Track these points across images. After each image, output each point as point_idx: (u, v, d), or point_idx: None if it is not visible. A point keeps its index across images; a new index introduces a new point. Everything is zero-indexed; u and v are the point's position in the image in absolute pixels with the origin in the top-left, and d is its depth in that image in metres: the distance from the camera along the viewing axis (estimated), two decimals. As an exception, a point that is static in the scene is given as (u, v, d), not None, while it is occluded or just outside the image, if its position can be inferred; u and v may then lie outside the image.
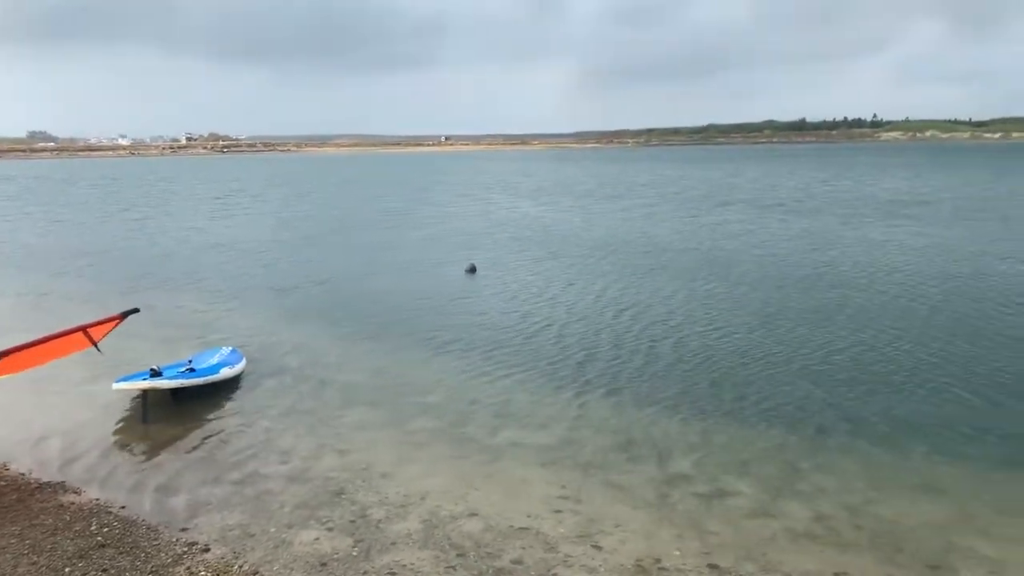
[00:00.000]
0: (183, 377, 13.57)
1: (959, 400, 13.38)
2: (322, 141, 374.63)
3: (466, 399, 13.82)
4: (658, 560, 8.46)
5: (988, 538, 8.91)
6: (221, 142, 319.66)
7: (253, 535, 9.00)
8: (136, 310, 12.15)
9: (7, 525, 9.16)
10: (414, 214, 49.55)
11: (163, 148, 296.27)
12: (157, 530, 9.11)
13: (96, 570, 8.18)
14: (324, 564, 8.36)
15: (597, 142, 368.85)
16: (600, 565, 8.35)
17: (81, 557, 8.42)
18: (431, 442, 11.90)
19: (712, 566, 8.35)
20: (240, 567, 8.28)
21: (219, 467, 11.00)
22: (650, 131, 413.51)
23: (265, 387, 14.58)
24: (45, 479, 10.57)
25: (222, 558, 8.47)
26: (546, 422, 12.69)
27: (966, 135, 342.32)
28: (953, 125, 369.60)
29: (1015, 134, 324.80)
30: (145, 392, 12.94)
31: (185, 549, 8.64)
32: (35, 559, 8.38)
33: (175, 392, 13.41)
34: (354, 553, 8.58)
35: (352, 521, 9.32)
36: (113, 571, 8.16)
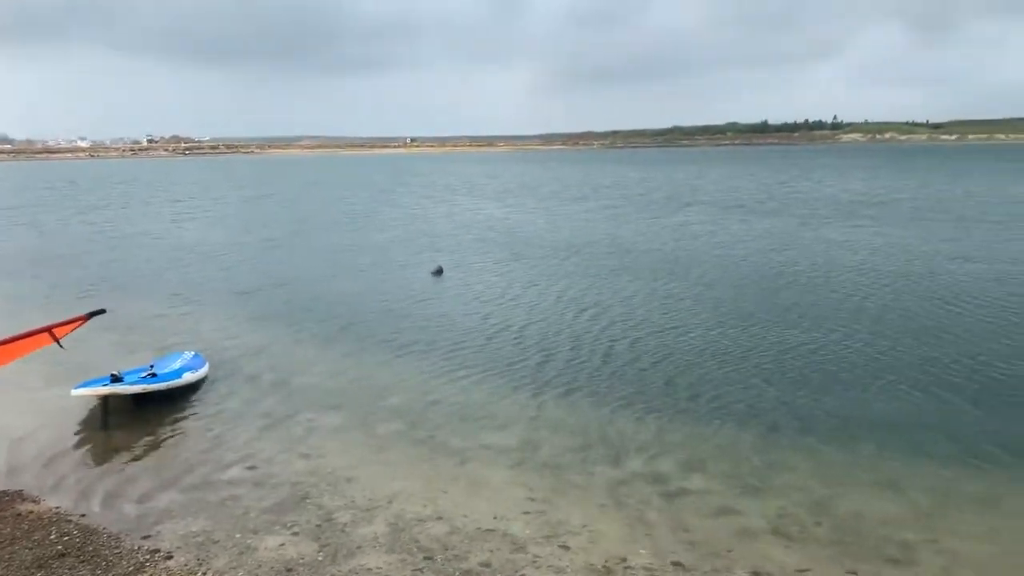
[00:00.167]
0: (144, 382, 13.37)
1: (911, 398, 13.64)
2: (286, 143, 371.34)
3: (432, 401, 13.79)
4: (624, 559, 8.52)
5: (944, 532, 9.11)
6: (183, 144, 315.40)
7: (217, 541, 8.91)
8: (102, 311, 11.97)
9: (-37, 535, 8.96)
10: (378, 216, 49.35)
11: (123, 150, 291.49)
12: (118, 538, 8.97)
13: (56, 580, 8.03)
14: (290, 569, 8.29)
15: (563, 144, 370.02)
16: (567, 565, 8.39)
17: (40, 567, 8.27)
18: (397, 445, 11.87)
19: (677, 564, 8.44)
20: (204, 574, 8.19)
21: (182, 473, 10.86)
22: (615, 133, 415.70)
23: (229, 392, 14.42)
24: (1, 488, 10.36)
25: (185, 565, 8.36)
26: (512, 423, 12.72)
27: (924, 137, 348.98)
28: (911, 127, 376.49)
29: (971, 136, 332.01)
30: (105, 398, 12.73)
31: (147, 557, 8.52)
32: (-8, 570, 8.21)
33: (136, 398, 13.21)
34: (320, 558, 8.52)
35: (318, 526, 9.27)
36: (73, 580, 8.02)
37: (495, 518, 9.44)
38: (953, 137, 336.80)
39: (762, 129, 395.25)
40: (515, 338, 17.90)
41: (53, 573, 8.15)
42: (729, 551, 8.70)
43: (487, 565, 8.39)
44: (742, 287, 23.39)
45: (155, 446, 11.93)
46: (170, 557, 8.54)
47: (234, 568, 8.32)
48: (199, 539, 8.96)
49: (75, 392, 12.83)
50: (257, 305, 22.22)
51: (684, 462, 11.11)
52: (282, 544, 8.83)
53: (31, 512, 9.63)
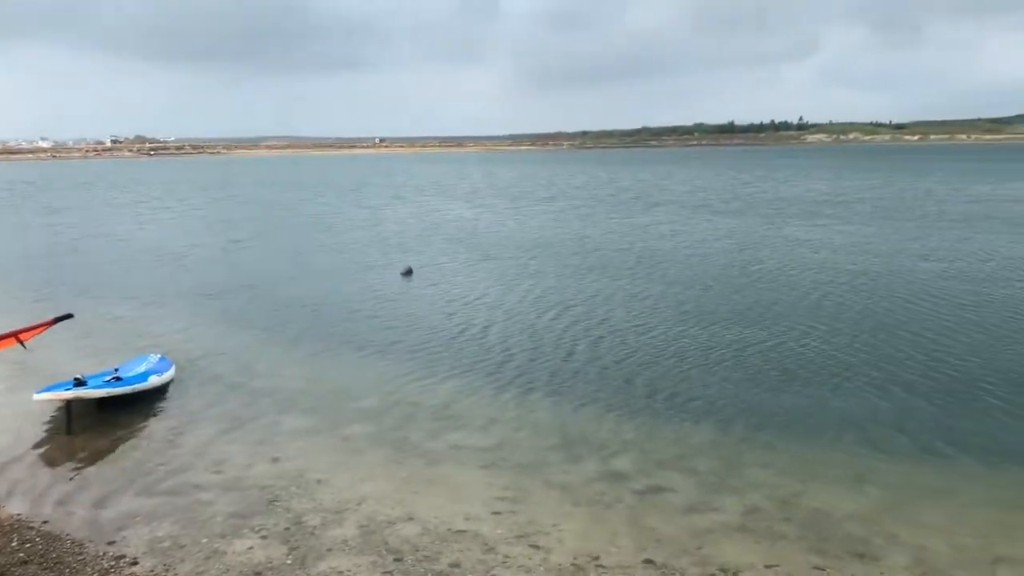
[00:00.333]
0: (109, 386, 13.17)
1: (871, 394, 13.85)
2: (253, 143, 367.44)
3: (402, 403, 13.74)
4: (595, 558, 8.55)
5: (910, 525, 9.25)
6: (147, 144, 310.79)
7: (184, 546, 8.79)
8: (70, 315, 11.78)
9: (-80, 544, 8.76)
10: (346, 217, 49.07)
11: (86, 151, 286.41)
12: (82, 544, 8.82)
13: (18, 588, 7.88)
14: (258, 573, 8.21)
15: (532, 144, 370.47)
16: (539, 565, 8.40)
17: (1, 575, 8.10)
18: (367, 447, 11.80)
19: (648, 561, 8.48)
20: (171, 579, 8.08)
21: (148, 478, 10.70)
22: (585, 133, 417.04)
23: (195, 395, 14.25)
24: (-39, 495, 10.15)
25: (151, 571, 8.25)
26: (483, 424, 12.71)
27: (887, 137, 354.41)
28: (875, 128, 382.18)
29: (933, 137, 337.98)
30: (69, 402, 12.50)
31: (112, 563, 8.39)
32: (-49, 579, 8.03)
33: (101, 402, 13.00)
34: (289, 561, 8.45)
35: (287, 529, 9.19)
36: (36, 588, 7.88)
37: (465, 518, 9.43)
38: (916, 138, 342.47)
39: (729, 130, 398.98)
40: (484, 338, 17.90)
41: (15, 581, 8.00)
42: (698, 548, 8.77)
43: (457, 566, 8.37)
44: (707, 286, 23.62)
45: (120, 451, 11.75)
46: (135, 563, 8.41)
47: (201, 573, 8.22)
48: (165, 544, 8.84)
49: (37, 397, 12.58)
50: (224, 307, 21.99)
51: (653, 460, 11.17)
52: (250, 548, 8.74)
53: (-8, 519, 9.44)
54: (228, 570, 8.27)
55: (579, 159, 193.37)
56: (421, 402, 13.77)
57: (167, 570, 8.27)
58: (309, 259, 31.16)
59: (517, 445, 11.81)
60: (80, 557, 8.51)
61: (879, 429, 12.21)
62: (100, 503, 9.94)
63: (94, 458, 11.47)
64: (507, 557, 8.55)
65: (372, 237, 37.75)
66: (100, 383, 13.18)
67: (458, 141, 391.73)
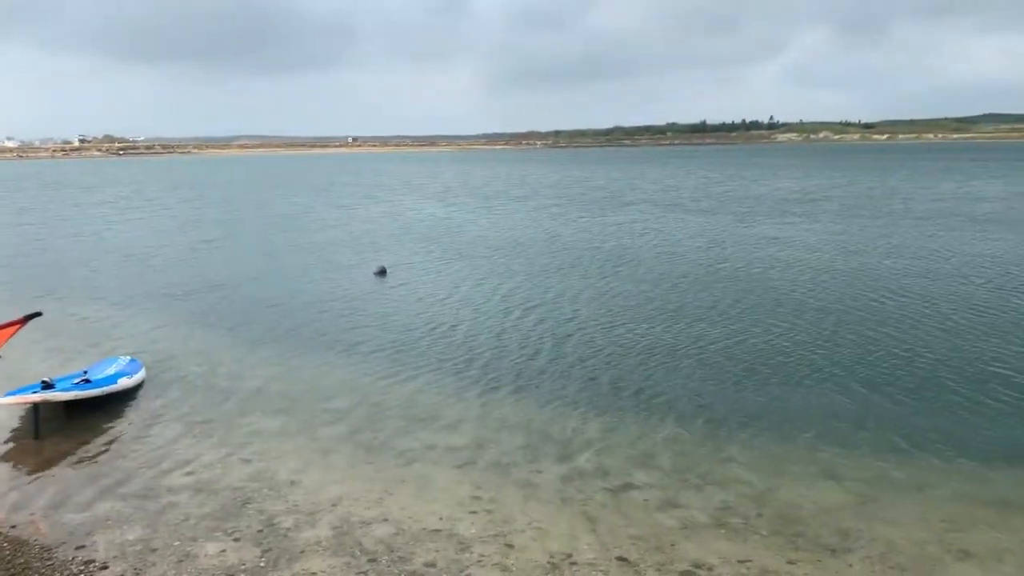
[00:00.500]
0: (78, 389, 13.00)
1: (842, 390, 14.02)
2: (224, 143, 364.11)
3: (375, 403, 13.70)
4: (569, 555, 8.58)
5: (878, 519, 9.39)
6: (117, 144, 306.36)
7: (155, 550, 8.71)
8: (38, 313, 11.61)
9: None
10: (319, 216, 48.77)
11: (54, 150, 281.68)
12: (50, 550, 8.70)
13: (-16, 595, 7.77)
14: (231, 576, 8.15)
15: (506, 144, 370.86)
16: (512, 563, 8.42)
17: (-33, 582, 7.98)
18: (340, 448, 11.75)
19: (621, 559, 8.53)
20: (142, 584, 8.00)
21: (118, 481, 10.58)
22: (558, 133, 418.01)
23: (166, 397, 14.11)
24: (-74, 501, 9.97)
25: (122, 575, 8.16)
26: (457, 423, 12.71)
27: (856, 136, 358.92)
28: (844, 127, 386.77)
29: (901, 136, 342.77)
30: (36, 406, 12.31)
31: (81, 568, 8.29)
32: (-84, 586, 7.90)
33: (69, 405, 12.83)
34: (262, 564, 8.40)
35: (260, 531, 9.13)
36: (3, 595, 7.77)
37: (440, 518, 9.43)
38: (884, 137, 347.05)
39: (701, 129, 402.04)
40: (458, 337, 17.89)
41: (-19, 588, 7.88)
42: (673, 544, 8.84)
43: (432, 565, 8.37)
44: (676, 284, 23.81)
45: (89, 454, 11.60)
46: (105, 567, 8.32)
47: (173, 576, 8.15)
48: (136, 548, 8.74)
49: (3, 400, 12.38)
50: (195, 308, 21.77)
51: (627, 458, 11.23)
52: (223, 551, 8.67)
53: (-43, 525, 9.29)
54: (200, 573, 8.21)
55: (552, 158, 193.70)
56: (394, 402, 13.74)
57: (137, 574, 8.19)
58: (281, 259, 30.94)
59: (491, 444, 11.82)
60: (48, 562, 8.40)
61: (846, 425, 12.37)
62: (69, 507, 9.81)
63: (62, 462, 11.31)
64: (482, 556, 8.56)
65: (344, 236, 37.57)
66: (68, 386, 13.01)
67: (431, 140, 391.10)
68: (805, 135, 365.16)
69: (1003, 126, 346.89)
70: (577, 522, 9.36)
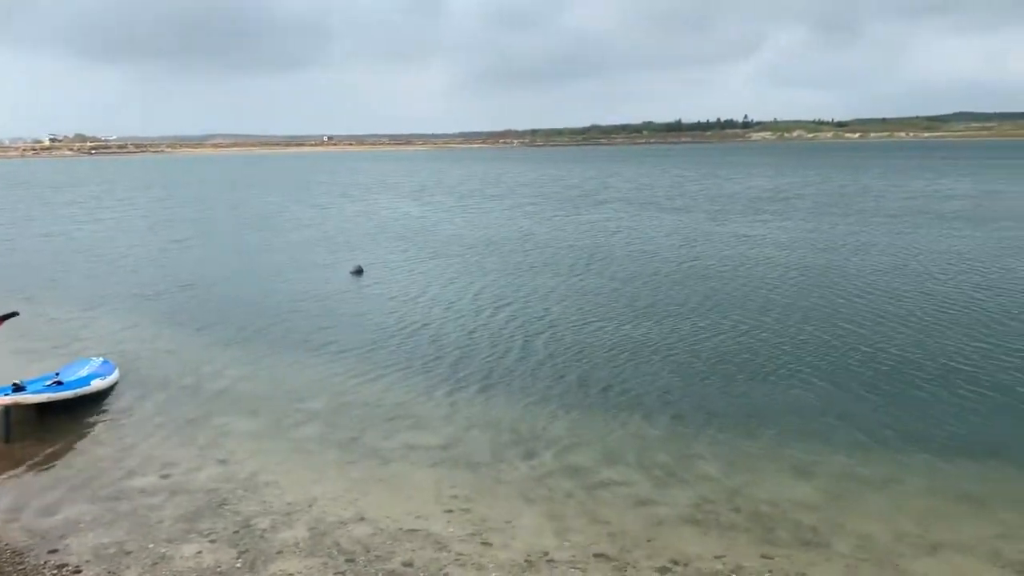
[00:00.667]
0: (49, 391, 12.82)
1: (814, 386, 14.17)
2: (198, 142, 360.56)
3: (352, 402, 13.65)
4: (547, 553, 8.61)
5: (851, 513, 9.50)
6: (89, 143, 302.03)
7: (130, 552, 8.62)
8: (15, 313, 11.45)
9: None
10: (294, 215, 48.47)
11: (24, 150, 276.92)
12: (22, 554, 8.59)
13: (-46, 600, 7.65)
14: (207, 578, 8.09)
15: (483, 142, 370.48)
16: (490, 562, 8.43)
17: (-63, 587, 7.86)
18: (317, 448, 11.70)
19: (599, 555, 8.57)
20: (116, 587, 7.92)
21: (92, 484, 10.46)
22: (535, 132, 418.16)
23: (140, 398, 13.96)
24: None
25: (96, 579, 8.07)
26: (433, 422, 12.71)
27: (830, 135, 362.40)
28: (817, 126, 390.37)
29: (873, 134, 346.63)
30: (7, 409, 12.12)
31: (54, 572, 8.19)
32: None
33: (41, 407, 12.65)
34: (238, 565, 8.35)
35: (236, 532, 9.07)
36: (-26, 600, 7.66)
37: (417, 517, 9.42)
38: (857, 135, 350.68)
39: (677, 128, 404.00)
40: (434, 336, 17.87)
41: (-49, 593, 7.76)
42: (649, 540, 8.89)
43: (410, 565, 8.36)
44: (652, 282, 23.96)
45: (62, 457, 11.46)
46: (79, 571, 8.22)
47: (148, 579, 8.07)
48: (110, 551, 8.66)
49: (-27, 403, 12.19)
50: (168, 308, 21.56)
51: (603, 455, 11.29)
52: (198, 552, 8.61)
53: (-74, 531, 9.14)
54: (176, 575, 8.14)
55: (529, 157, 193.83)
56: (370, 401, 13.70)
57: (112, 577, 8.10)
58: (255, 259, 30.72)
59: (468, 443, 11.82)
60: (20, 567, 8.29)
61: (816, 421, 12.51)
62: (41, 511, 9.68)
63: (34, 465, 11.16)
64: (460, 555, 8.56)
65: (320, 236, 37.37)
66: (40, 388, 12.83)
67: (407, 139, 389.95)
68: (779, 134, 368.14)
69: (973, 124, 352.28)
70: (554, 519, 9.39)
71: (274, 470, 10.84)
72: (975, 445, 11.48)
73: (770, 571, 8.26)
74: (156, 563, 8.40)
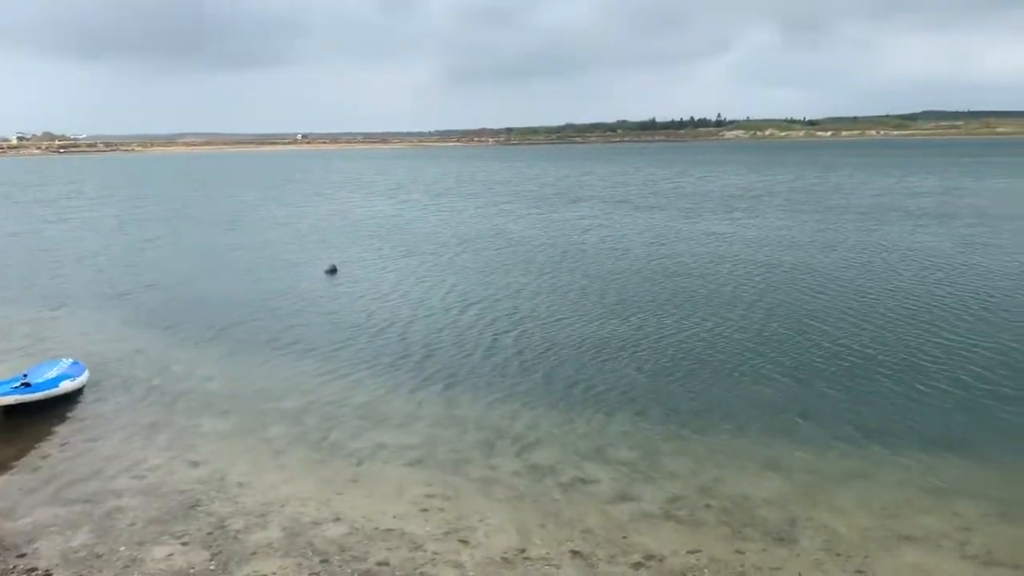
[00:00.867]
0: (17, 393, 12.65)
1: (783, 382, 14.35)
2: (170, 140, 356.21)
3: (325, 402, 13.59)
4: (522, 551, 8.64)
5: (821, 507, 9.65)
6: (57, 142, 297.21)
7: (101, 555, 8.53)
8: None
9: None
10: (268, 214, 48.08)
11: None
12: (-9, 558, 8.47)
13: (-80, 606, 7.54)
14: (179, 580, 8.03)
15: (458, 141, 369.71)
16: (466, 560, 8.44)
17: (-98, 593, 7.73)
18: (290, 448, 11.64)
19: (574, 552, 8.62)
20: (87, 590, 7.83)
21: (61, 486, 10.33)
22: (510, 130, 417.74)
23: (111, 399, 13.81)
24: None
25: (66, 582, 7.98)
26: (408, 421, 12.69)
27: (801, 133, 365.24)
28: (789, 124, 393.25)
29: (844, 133, 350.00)
30: (-26, 411, 11.97)
31: (24, 576, 8.09)
32: None
33: (9, 410, 12.49)
34: (211, 567, 8.29)
35: (209, 533, 9.00)
36: (-59, 606, 7.55)
37: (392, 517, 9.41)
38: (828, 134, 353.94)
39: (651, 127, 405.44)
40: (407, 335, 17.84)
41: (-83, 599, 7.64)
42: (624, 536, 8.95)
43: (385, 564, 8.35)
44: (625, 279, 24.11)
45: (30, 460, 11.31)
46: (48, 575, 8.13)
47: (119, 582, 7.99)
48: (80, 554, 8.56)
49: (-61, 406, 12.01)
50: (138, 308, 21.32)
51: (576, 452, 11.34)
52: (171, 554, 8.54)
53: None
54: (148, 578, 8.07)
55: (504, 155, 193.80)
56: (344, 401, 13.65)
57: (83, 581, 8.01)
58: (228, 258, 30.45)
59: (442, 442, 11.82)
60: (-12, 571, 8.18)
61: (790, 417, 12.67)
62: (9, 514, 9.55)
63: (2, 468, 11.01)
64: (435, 554, 8.57)
65: (294, 235, 37.12)
66: (7, 390, 12.66)
67: (383, 137, 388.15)
68: (752, 132, 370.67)
69: (942, 123, 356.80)
70: (529, 517, 9.42)
71: (247, 470, 10.78)
72: (936, 440, 11.69)
73: (743, 566, 8.36)
74: (127, 566, 8.32)
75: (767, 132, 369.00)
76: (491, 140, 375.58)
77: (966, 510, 9.56)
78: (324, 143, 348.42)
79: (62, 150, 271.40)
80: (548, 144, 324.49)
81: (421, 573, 8.20)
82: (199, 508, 9.65)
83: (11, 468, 11.03)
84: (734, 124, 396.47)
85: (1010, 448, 11.38)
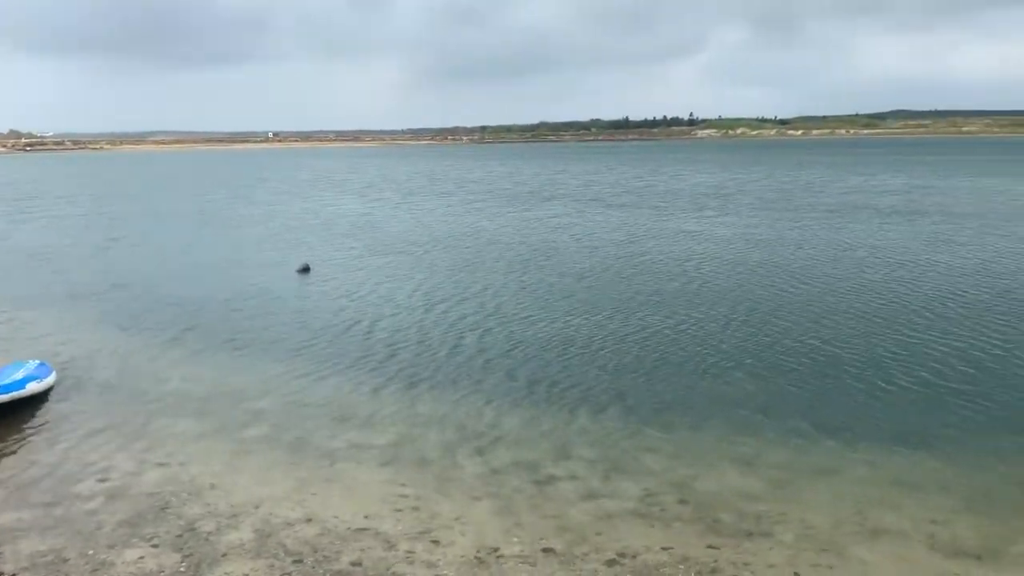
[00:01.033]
0: (-19, 395, 12.42)
1: (753, 379, 14.46)
2: (139, 139, 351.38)
3: (296, 402, 13.50)
4: (496, 549, 8.63)
5: (794, 503, 9.73)
6: (23, 140, 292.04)
7: (68, 560, 8.40)
8: None
9: None
10: (239, 213, 47.65)
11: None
12: (-45, 564, 8.31)
13: None
14: (149, 583, 7.93)
15: (431, 139, 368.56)
16: (440, 560, 8.42)
17: None
18: (262, 449, 11.55)
19: (547, 550, 8.62)
20: (54, 595, 7.72)
21: (28, 490, 10.16)
22: (484, 128, 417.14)
23: (78, 401, 13.62)
24: None
25: (32, 587, 7.85)
26: (381, 421, 12.64)
27: (773, 132, 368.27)
28: (761, 123, 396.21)
29: (815, 132, 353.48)
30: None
31: (-11, 581, 7.94)
32: None
33: (-28, 412, 12.26)
34: (182, 569, 8.20)
35: (179, 536, 8.90)
36: (-98, 613, 7.39)
37: (366, 517, 9.36)
38: (799, 132, 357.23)
39: (624, 125, 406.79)
40: (381, 334, 17.77)
41: None
42: (597, 534, 8.98)
43: (358, 564, 8.31)
44: (598, 277, 24.22)
45: (-5, 463, 11.11)
46: (14, 580, 7.99)
47: (87, 586, 7.88)
48: (47, 559, 8.43)
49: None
50: (107, 308, 21.03)
51: (550, 450, 11.36)
52: (141, 557, 8.43)
53: None
54: (116, 582, 7.96)
55: (478, 154, 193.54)
56: (317, 401, 13.57)
57: (50, 585, 7.89)
58: (199, 257, 30.14)
59: (415, 441, 11.79)
60: (-48, 577, 8.02)
61: (759, 413, 12.77)
62: (-26, 519, 9.38)
63: (-34, 472, 10.81)
64: (409, 553, 8.53)
65: (266, 233, 36.82)
66: (-29, 392, 12.42)
67: (355, 136, 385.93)
68: (724, 131, 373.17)
69: (911, 122, 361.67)
70: (503, 515, 9.42)
71: (218, 472, 10.67)
72: (906, 434, 11.85)
73: (716, 561, 8.41)
74: (96, 570, 8.21)
75: (739, 131, 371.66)
76: (465, 138, 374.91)
77: (935, 502, 9.72)
78: (296, 141, 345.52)
79: (28, 148, 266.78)
80: (522, 143, 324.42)
81: (394, 573, 8.17)
82: (169, 510, 9.54)
83: (-25, 472, 10.82)
84: (706, 123, 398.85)
85: (972, 442, 11.58)
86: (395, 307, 20.56)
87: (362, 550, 8.59)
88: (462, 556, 8.48)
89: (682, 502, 9.76)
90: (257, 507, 9.60)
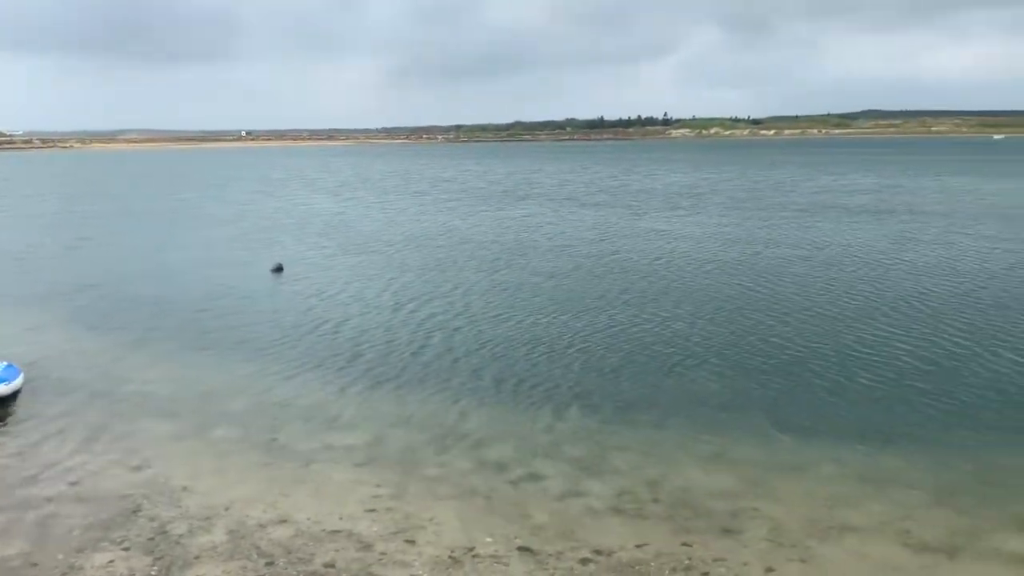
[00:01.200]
0: (-53, 398, 12.21)
1: (724, 377, 14.62)
2: (109, 137, 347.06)
3: (270, 403, 13.42)
4: (471, 549, 8.63)
5: (765, 499, 9.83)
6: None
7: (36, 564, 8.29)
8: None
9: None
10: (212, 212, 47.16)
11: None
12: (-80, 569, 8.18)
13: None
14: (120, 587, 7.85)
15: (406, 138, 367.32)
16: (415, 560, 8.41)
17: None
18: (236, 450, 11.46)
19: (523, 548, 8.64)
20: (22, 600, 7.61)
21: (-6, 494, 10.01)
22: (459, 128, 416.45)
23: (47, 403, 13.42)
24: None
25: (0, 592, 7.75)
26: (355, 422, 12.59)
27: (746, 132, 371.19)
28: (734, 123, 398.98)
29: (787, 132, 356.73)
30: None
31: (-45, 587, 7.82)
32: None
33: (-62, 415, 12.04)
34: (153, 572, 8.12)
35: (151, 539, 8.82)
36: None
37: (340, 518, 9.32)
38: (771, 132, 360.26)
39: (599, 125, 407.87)
40: (353, 334, 17.71)
41: None
42: (572, 532, 9.01)
43: (332, 565, 8.27)
44: (570, 276, 24.34)
45: (-39, 466, 10.92)
46: (-18, 585, 7.88)
47: (57, 591, 7.78)
48: (15, 563, 8.31)
49: None
50: (76, 308, 20.75)
51: (523, 450, 11.38)
52: (111, 561, 8.34)
53: None
54: (86, 586, 7.87)
55: (452, 153, 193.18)
56: (290, 402, 13.49)
57: (18, 590, 7.78)
58: (170, 257, 29.79)
59: (388, 441, 11.76)
60: (-83, 583, 7.90)
61: (730, 411, 12.91)
62: (-61, 524, 9.22)
63: (-69, 476, 10.62)
64: (383, 554, 8.52)
65: (238, 233, 36.49)
66: (-63, 395, 12.20)
67: (329, 134, 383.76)
68: (698, 131, 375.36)
69: (881, 122, 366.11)
70: (478, 515, 9.42)
71: (190, 474, 10.57)
72: (873, 431, 12.02)
73: (690, 558, 8.48)
74: (65, 573, 8.11)
75: (712, 131, 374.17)
76: (440, 137, 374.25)
77: (902, 498, 9.85)
78: (269, 140, 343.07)
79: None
80: (497, 142, 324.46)
81: (369, 574, 8.15)
82: (140, 513, 9.44)
83: (-59, 476, 10.64)
84: (680, 123, 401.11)
85: (939, 439, 11.78)
86: (369, 307, 20.51)
87: (336, 551, 8.56)
88: (437, 556, 8.47)
89: (655, 500, 9.83)
90: (230, 509, 9.53)
